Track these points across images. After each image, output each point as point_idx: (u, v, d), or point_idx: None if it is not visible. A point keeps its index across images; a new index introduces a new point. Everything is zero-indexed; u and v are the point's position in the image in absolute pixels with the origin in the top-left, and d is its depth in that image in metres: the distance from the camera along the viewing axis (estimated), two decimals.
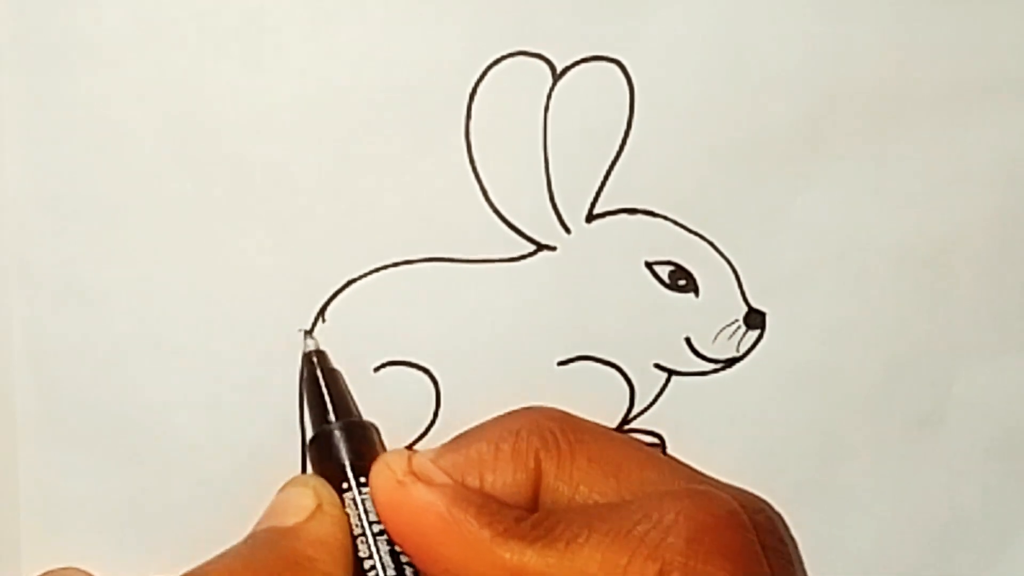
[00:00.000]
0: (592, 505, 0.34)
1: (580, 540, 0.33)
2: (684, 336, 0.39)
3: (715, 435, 0.40)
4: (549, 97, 0.37)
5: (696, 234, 0.38)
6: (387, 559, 0.35)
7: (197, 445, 0.38)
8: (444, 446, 0.36)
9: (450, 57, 0.36)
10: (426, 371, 0.38)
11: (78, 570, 0.38)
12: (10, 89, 0.36)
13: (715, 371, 0.39)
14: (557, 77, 0.37)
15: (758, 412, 0.40)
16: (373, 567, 0.35)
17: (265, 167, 0.37)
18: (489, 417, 0.38)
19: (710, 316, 0.39)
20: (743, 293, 0.39)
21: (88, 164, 0.36)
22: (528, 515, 0.34)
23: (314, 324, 0.38)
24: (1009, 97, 0.39)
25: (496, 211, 0.37)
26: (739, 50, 0.37)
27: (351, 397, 0.37)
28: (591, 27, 0.37)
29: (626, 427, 0.39)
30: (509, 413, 0.37)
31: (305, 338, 0.37)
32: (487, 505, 0.34)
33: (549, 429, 0.36)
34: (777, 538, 0.35)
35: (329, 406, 0.36)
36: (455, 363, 0.38)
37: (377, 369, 0.38)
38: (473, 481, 0.35)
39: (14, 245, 0.37)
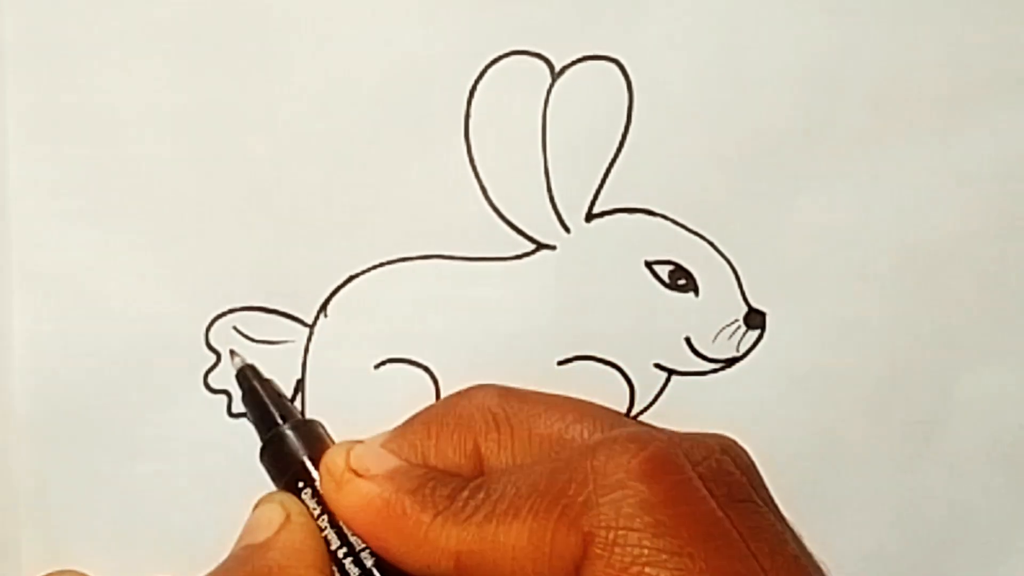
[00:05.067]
0: (523, 470, 0.34)
1: (510, 515, 0.33)
2: (684, 336, 0.39)
3: None
4: (548, 96, 0.37)
5: (696, 234, 0.38)
6: (357, 553, 0.35)
7: (197, 444, 0.38)
8: (396, 429, 0.37)
9: (450, 56, 0.37)
10: (426, 369, 0.38)
11: (78, 572, 0.38)
12: (15, 88, 0.36)
13: (715, 371, 0.39)
14: (556, 76, 0.37)
15: (758, 412, 0.39)
16: (343, 559, 0.35)
17: (267, 164, 0.37)
18: None
19: (710, 316, 0.39)
20: (743, 293, 0.39)
21: (91, 163, 0.37)
22: (464, 488, 0.34)
23: (316, 319, 0.38)
24: (1009, 97, 0.39)
25: (496, 210, 0.38)
26: (738, 49, 0.38)
27: (289, 401, 0.38)
28: (590, 26, 0.37)
29: None
30: (457, 394, 0.37)
31: (232, 356, 0.37)
32: (423, 487, 0.34)
33: (488, 409, 0.36)
34: (734, 483, 0.33)
35: (273, 411, 0.37)
36: (455, 361, 0.38)
37: (377, 367, 0.38)
38: (417, 462, 0.35)
39: (16, 244, 0.37)
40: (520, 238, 0.38)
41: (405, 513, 0.34)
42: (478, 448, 0.35)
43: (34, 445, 0.38)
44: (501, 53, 0.37)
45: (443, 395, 0.38)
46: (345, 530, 0.35)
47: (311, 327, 0.38)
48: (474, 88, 0.37)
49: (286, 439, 0.36)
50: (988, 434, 0.41)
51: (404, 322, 0.38)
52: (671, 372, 0.39)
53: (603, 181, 0.38)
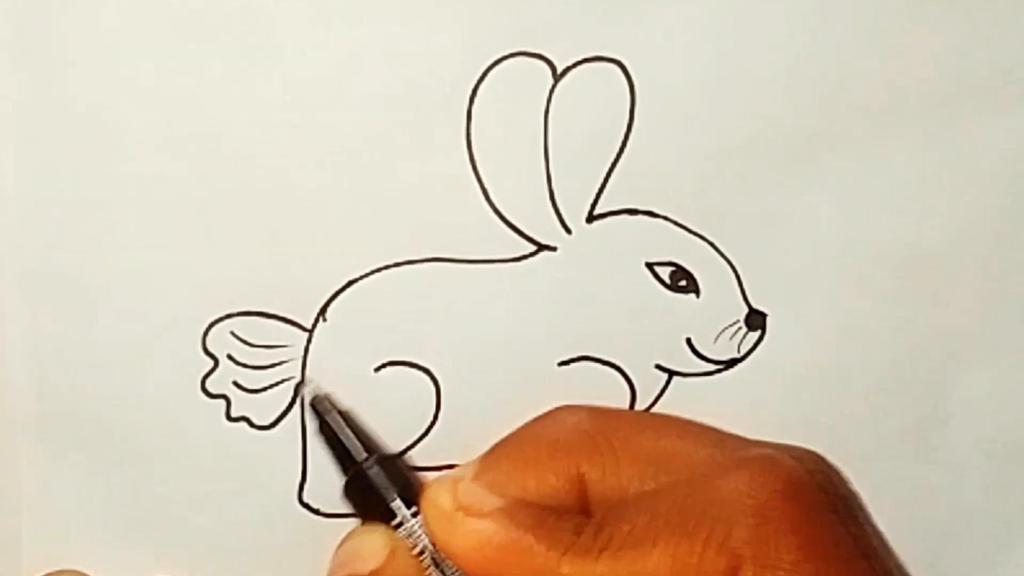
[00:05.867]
0: (649, 497, 0.34)
1: (647, 544, 0.32)
2: (685, 337, 0.39)
3: None
4: (550, 97, 0.37)
5: (697, 235, 0.38)
6: None
7: (198, 444, 0.38)
8: (481, 462, 0.36)
9: (451, 57, 0.37)
10: (427, 371, 0.38)
11: (78, 572, 0.38)
12: (9, 88, 0.36)
13: (716, 372, 0.39)
14: (558, 77, 0.37)
15: (758, 413, 0.39)
16: None
17: (266, 167, 0.37)
18: (489, 419, 0.38)
19: (711, 317, 0.39)
20: (744, 294, 0.39)
21: (88, 164, 0.36)
22: (586, 522, 0.33)
23: (315, 323, 0.38)
24: (1009, 97, 0.39)
25: (497, 211, 0.38)
26: (739, 50, 0.37)
27: (369, 432, 0.37)
28: (592, 27, 0.37)
29: None
30: (541, 419, 0.37)
31: (307, 385, 0.37)
32: (544, 523, 0.33)
33: (587, 434, 0.35)
34: (839, 495, 0.34)
35: (358, 445, 0.37)
36: (456, 363, 0.38)
37: (378, 369, 0.38)
38: (517, 495, 0.35)
39: (14, 245, 0.37)
40: (521, 239, 0.38)
41: (532, 550, 0.33)
42: (582, 473, 0.35)
43: (34, 445, 0.38)
44: (503, 54, 0.37)
45: (444, 398, 0.38)
46: (448, 568, 0.35)
47: (310, 332, 0.38)
48: (475, 89, 0.37)
49: (375, 475, 0.36)
50: (988, 434, 0.41)
51: (404, 324, 0.38)
52: (672, 373, 0.39)
53: (604, 182, 0.38)
